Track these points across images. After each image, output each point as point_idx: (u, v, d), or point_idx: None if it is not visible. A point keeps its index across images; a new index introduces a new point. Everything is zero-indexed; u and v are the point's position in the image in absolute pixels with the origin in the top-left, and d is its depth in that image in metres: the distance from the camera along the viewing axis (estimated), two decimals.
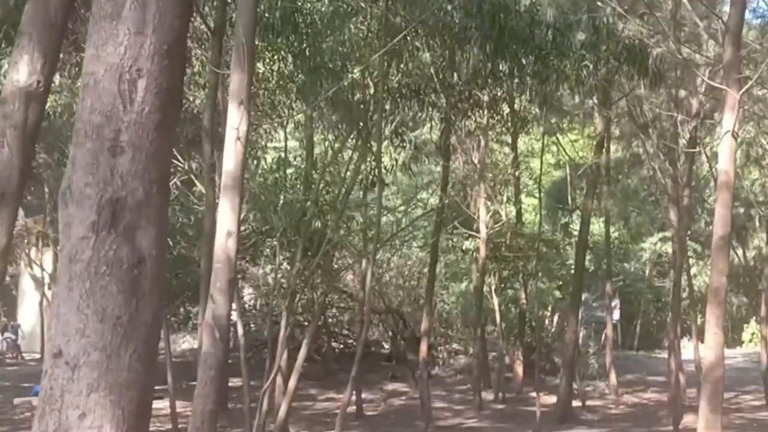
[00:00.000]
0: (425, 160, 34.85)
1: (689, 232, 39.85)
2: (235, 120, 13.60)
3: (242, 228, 25.90)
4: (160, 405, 26.05)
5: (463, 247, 39.22)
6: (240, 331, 22.82)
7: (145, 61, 5.57)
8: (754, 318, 51.64)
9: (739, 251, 40.23)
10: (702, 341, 20.76)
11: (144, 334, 5.48)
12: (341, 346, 41.41)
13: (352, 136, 24.46)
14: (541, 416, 26.34)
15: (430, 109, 26.91)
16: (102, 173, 5.43)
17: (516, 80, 26.58)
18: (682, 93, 31.49)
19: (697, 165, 36.33)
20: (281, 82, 24.55)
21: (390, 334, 42.56)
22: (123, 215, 5.44)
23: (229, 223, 13.55)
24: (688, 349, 38.16)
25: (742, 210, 39.03)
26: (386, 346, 42.97)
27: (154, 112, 5.59)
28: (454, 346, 43.20)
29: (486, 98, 29.75)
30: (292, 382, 23.04)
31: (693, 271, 44.73)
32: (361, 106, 23.75)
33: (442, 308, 43.67)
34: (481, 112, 31.65)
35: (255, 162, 26.65)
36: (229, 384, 28.49)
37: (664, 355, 38.97)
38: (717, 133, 27.59)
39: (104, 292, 5.35)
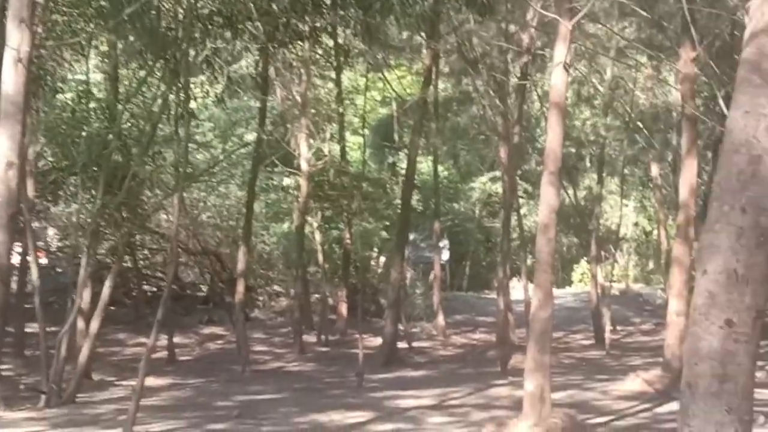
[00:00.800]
0: (243, 95, 33.62)
1: (520, 172, 39.81)
2: (16, 40, 13.02)
3: (41, 163, 24.43)
4: None
5: (284, 184, 38.12)
6: (34, 272, 22.03)
7: None
8: (585, 258, 52.00)
9: (570, 191, 40.32)
10: (532, 281, 20.11)
11: None
12: (154, 289, 39.52)
13: (159, 67, 22.76)
14: (366, 359, 25.39)
15: (246, 39, 25.51)
16: None
17: (339, 10, 25.39)
18: (513, 28, 30.89)
19: (528, 104, 36.04)
20: (79, 7, 22.77)
21: (207, 276, 41.22)
22: None
23: (8, 153, 13.04)
24: (518, 289, 38.16)
25: (573, 150, 39.19)
26: (203, 288, 41.62)
27: None
28: (275, 287, 42.27)
29: (307, 29, 28.38)
30: (94, 326, 21.88)
31: (523, 211, 44.69)
32: (169, 34, 22.09)
33: (263, 249, 42.55)
34: (302, 44, 30.43)
35: (53, 93, 24.96)
36: (28, 330, 27.12)
37: (494, 295, 38.87)
38: (548, 70, 27.08)
39: None
